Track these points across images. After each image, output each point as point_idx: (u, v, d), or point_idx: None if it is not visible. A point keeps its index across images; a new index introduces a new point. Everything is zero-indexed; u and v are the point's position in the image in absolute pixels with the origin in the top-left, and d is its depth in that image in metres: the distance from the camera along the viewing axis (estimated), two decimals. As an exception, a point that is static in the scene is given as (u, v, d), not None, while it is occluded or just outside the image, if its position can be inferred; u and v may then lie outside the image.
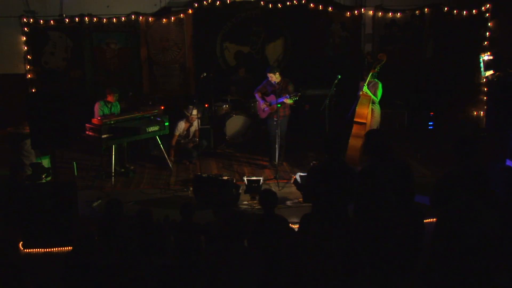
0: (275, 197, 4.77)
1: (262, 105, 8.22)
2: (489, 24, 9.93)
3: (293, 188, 7.12)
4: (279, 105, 7.83)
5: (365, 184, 4.21)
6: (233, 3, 10.19)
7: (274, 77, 7.94)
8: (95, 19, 10.06)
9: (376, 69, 7.91)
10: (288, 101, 7.85)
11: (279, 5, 10.22)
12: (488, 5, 9.91)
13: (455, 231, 4.12)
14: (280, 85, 7.95)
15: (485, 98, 9.61)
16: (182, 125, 8.75)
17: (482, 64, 9.40)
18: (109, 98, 8.08)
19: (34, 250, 5.67)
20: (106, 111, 8.05)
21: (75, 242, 4.46)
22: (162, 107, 9.39)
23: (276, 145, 7.85)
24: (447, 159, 7.70)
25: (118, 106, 8.32)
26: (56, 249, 5.63)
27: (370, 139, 4.36)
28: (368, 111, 7.85)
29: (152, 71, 10.59)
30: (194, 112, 8.49)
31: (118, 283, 4.23)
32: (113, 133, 7.63)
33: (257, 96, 8.28)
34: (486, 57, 9.37)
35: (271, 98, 8.06)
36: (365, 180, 4.21)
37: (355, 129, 7.97)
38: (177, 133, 8.73)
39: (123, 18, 10.13)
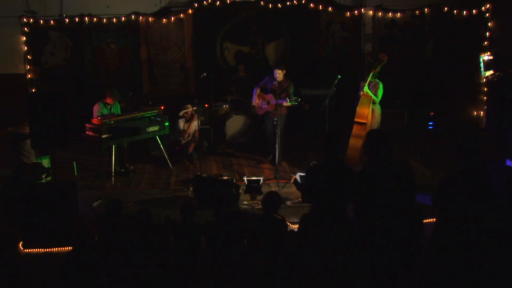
0: (279, 200, 4.77)
1: (259, 102, 8.26)
2: (489, 24, 9.93)
3: (293, 188, 7.12)
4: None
5: (365, 184, 4.20)
6: (233, 3, 10.19)
7: (281, 74, 7.95)
8: (95, 19, 10.06)
9: (377, 69, 7.90)
10: (286, 104, 7.89)
11: (279, 5, 10.22)
12: (488, 5, 9.90)
13: (456, 230, 4.13)
14: (281, 85, 7.98)
15: (485, 98, 9.61)
16: (182, 123, 8.79)
17: (482, 64, 9.39)
18: (108, 100, 8.06)
19: (34, 250, 5.66)
20: (106, 112, 8.04)
21: (75, 242, 4.45)
22: (162, 107, 9.40)
23: (276, 145, 7.87)
24: (447, 159, 7.73)
25: (118, 107, 8.31)
26: (56, 249, 5.63)
27: (371, 138, 4.36)
28: (368, 111, 7.84)
29: (152, 71, 10.60)
30: (188, 106, 8.60)
31: (118, 283, 4.23)
32: (113, 133, 7.63)
33: (255, 91, 8.32)
34: (486, 57, 9.36)
35: (270, 96, 8.10)
36: (365, 180, 4.21)
37: (355, 129, 7.97)
38: (181, 127, 8.76)
39: (123, 18, 10.13)
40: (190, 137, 8.89)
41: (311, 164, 7.77)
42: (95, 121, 7.68)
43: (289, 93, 7.98)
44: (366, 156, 4.44)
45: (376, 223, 4.17)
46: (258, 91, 8.27)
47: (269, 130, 8.31)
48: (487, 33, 9.94)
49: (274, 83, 8.01)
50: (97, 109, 8.00)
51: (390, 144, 4.27)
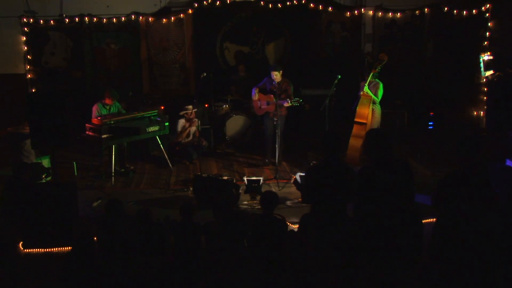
0: (276, 199, 4.77)
1: (259, 103, 8.20)
2: (489, 24, 9.93)
3: (293, 188, 7.12)
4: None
5: (365, 183, 4.21)
6: (233, 3, 10.19)
7: (279, 75, 7.93)
8: (95, 19, 10.06)
9: (377, 69, 7.90)
10: (288, 105, 7.86)
11: (279, 5, 10.22)
12: (488, 5, 9.90)
13: (456, 230, 4.13)
14: (280, 86, 7.96)
15: (485, 98, 9.61)
16: (182, 122, 8.79)
17: (482, 64, 9.39)
18: (107, 101, 8.06)
19: (34, 250, 5.66)
20: (104, 112, 8.03)
21: (74, 242, 4.46)
22: (162, 107, 9.39)
23: (276, 145, 7.86)
24: (447, 159, 7.74)
25: (120, 106, 8.30)
26: (56, 249, 5.63)
27: (370, 138, 4.36)
28: (368, 111, 7.84)
29: (152, 71, 10.59)
30: (190, 107, 8.57)
31: (118, 283, 4.23)
32: (113, 133, 7.63)
33: (254, 91, 8.17)
34: (486, 57, 9.36)
35: (270, 97, 8.06)
36: (365, 179, 4.21)
37: (355, 129, 7.97)
38: (180, 129, 8.76)
39: (123, 18, 10.13)
40: (190, 137, 8.89)
41: (311, 164, 7.77)
42: (95, 121, 7.69)
43: (289, 94, 7.96)
44: (366, 155, 4.45)
45: (375, 222, 4.18)
46: (257, 91, 8.18)
47: (269, 131, 8.28)
48: (487, 33, 9.94)
49: (274, 83, 7.99)
50: (95, 109, 8.00)
51: (390, 144, 4.28)
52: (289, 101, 7.80)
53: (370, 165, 4.29)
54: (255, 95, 8.16)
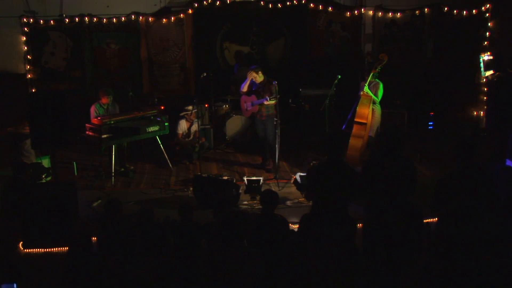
0: (277, 198, 4.78)
1: (244, 105, 8.18)
2: (489, 24, 9.93)
3: (293, 188, 7.12)
4: (268, 105, 7.84)
5: (370, 172, 4.24)
6: (233, 3, 10.19)
7: (259, 76, 7.91)
8: (95, 19, 10.06)
9: (377, 69, 7.89)
10: (268, 102, 7.78)
11: (279, 5, 10.22)
12: (488, 5, 9.91)
13: (456, 231, 4.13)
14: (263, 85, 7.91)
15: (485, 98, 9.61)
16: (183, 124, 8.78)
17: (482, 64, 9.40)
18: (103, 100, 8.05)
19: (34, 250, 5.66)
20: (102, 112, 8.03)
21: (71, 242, 4.46)
22: (162, 107, 9.38)
23: (276, 145, 7.84)
24: (447, 159, 7.72)
25: (116, 105, 8.30)
26: (56, 249, 5.63)
27: (388, 138, 4.34)
28: (368, 111, 7.83)
29: (152, 71, 10.59)
30: (190, 107, 8.57)
31: (118, 283, 4.23)
32: (113, 133, 7.63)
33: (243, 85, 8.08)
34: (486, 57, 9.36)
35: (252, 98, 8.03)
36: (370, 170, 4.25)
37: (355, 129, 7.96)
38: (180, 131, 8.75)
39: (123, 18, 10.13)
40: (190, 137, 8.89)
41: (311, 164, 7.77)
42: (95, 121, 7.69)
43: (272, 92, 7.89)
44: (378, 149, 4.46)
45: (376, 221, 4.19)
46: (246, 86, 8.02)
47: (260, 133, 8.17)
48: (487, 33, 9.94)
49: (257, 83, 7.92)
50: (93, 110, 8.00)
51: (402, 141, 4.31)
52: (268, 99, 7.74)
53: (377, 156, 4.32)
54: (245, 86, 7.99)
